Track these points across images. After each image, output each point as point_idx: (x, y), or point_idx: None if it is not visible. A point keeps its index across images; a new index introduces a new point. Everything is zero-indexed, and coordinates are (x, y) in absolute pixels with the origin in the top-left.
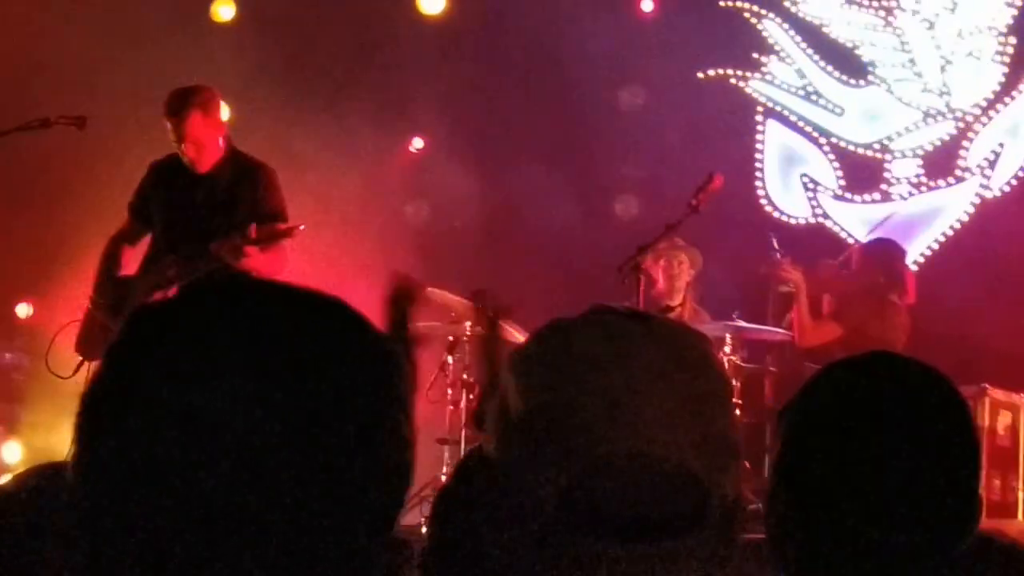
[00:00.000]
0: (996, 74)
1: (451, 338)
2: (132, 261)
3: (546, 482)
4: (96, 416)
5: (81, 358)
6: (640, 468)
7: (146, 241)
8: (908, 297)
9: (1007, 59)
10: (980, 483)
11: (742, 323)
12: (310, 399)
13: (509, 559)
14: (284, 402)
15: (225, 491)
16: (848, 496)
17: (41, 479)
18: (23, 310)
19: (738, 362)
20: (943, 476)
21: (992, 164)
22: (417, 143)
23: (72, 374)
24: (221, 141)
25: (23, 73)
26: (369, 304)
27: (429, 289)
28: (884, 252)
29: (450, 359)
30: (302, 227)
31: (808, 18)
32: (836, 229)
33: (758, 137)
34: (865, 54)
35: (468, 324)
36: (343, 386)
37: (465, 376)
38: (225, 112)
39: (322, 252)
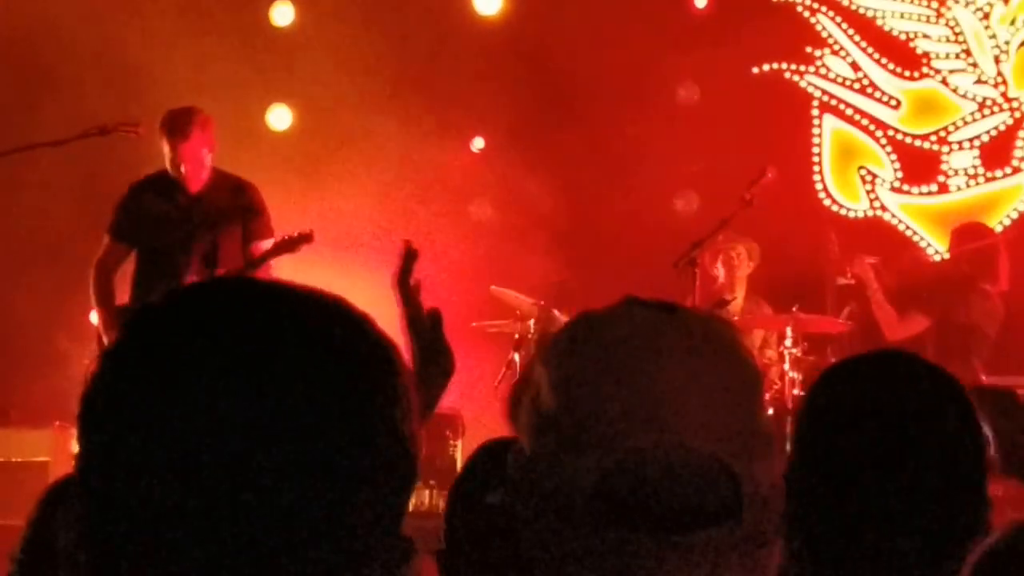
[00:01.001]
0: None
1: (517, 336)
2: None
3: (578, 475)
4: (91, 418)
5: None
6: (672, 459)
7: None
8: (1000, 284)
9: None
10: (987, 484)
11: (802, 315)
12: (305, 399)
13: (540, 553)
14: (279, 402)
15: (222, 493)
16: (853, 497)
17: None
18: (95, 317)
19: (798, 355)
20: (948, 477)
21: None
22: (478, 143)
23: None
24: (209, 161)
25: (83, 82)
26: (440, 303)
27: (494, 288)
28: (970, 238)
29: (516, 356)
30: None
31: (861, 11)
32: (894, 222)
33: (814, 131)
34: (919, 46)
35: (532, 322)
36: (339, 386)
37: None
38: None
39: (388, 251)
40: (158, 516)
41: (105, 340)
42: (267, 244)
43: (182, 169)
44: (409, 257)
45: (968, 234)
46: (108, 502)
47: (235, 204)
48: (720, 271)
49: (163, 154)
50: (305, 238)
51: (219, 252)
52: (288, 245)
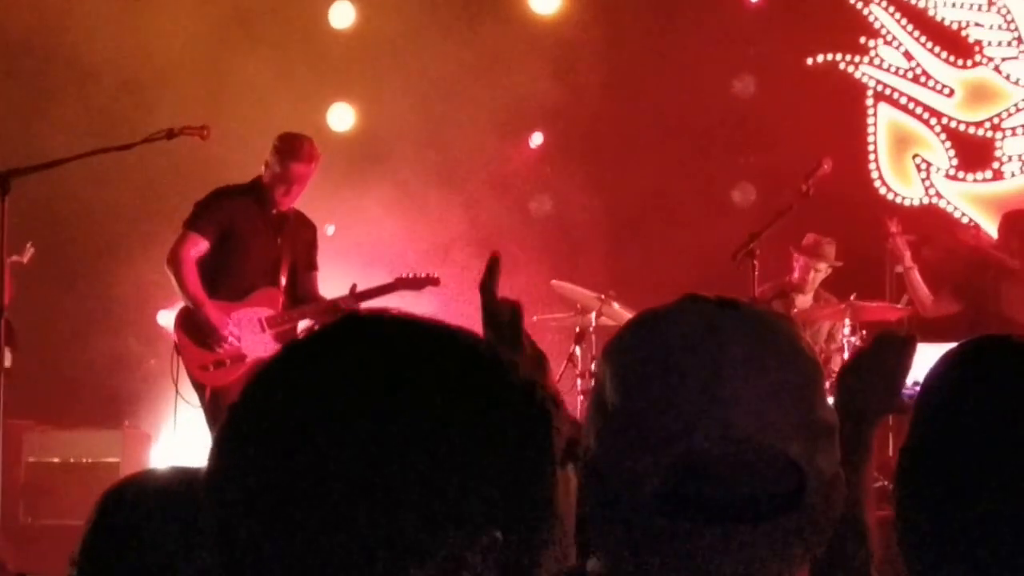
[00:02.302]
0: None
1: (578, 329)
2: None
3: (645, 471)
4: (232, 436)
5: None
6: (737, 453)
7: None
8: None
9: None
10: None
11: (862, 303)
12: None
13: (609, 547)
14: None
15: (338, 525)
16: (976, 489)
17: (183, 480)
18: (165, 318)
19: (856, 343)
20: None
21: None
22: (537, 138)
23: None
24: None
25: (147, 87)
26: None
27: (554, 282)
28: (1015, 226)
29: (578, 349)
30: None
31: (913, 1)
32: (949, 209)
33: (869, 121)
34: (971, 34)
35: (593, 315)
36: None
37: (593, 366)
38: None
39: (446, 247)
40: (275, 532)
41: (203, 322)
42: (314, 278)
43: (289, 188)
44: (494, 265)
45: (1019, 220)
46: (230, 515)
47: (305, 234)
48: (797, 271)
49: (267, 166)
50: (432, 281)
51: (297, 271)
52: (413, 283)
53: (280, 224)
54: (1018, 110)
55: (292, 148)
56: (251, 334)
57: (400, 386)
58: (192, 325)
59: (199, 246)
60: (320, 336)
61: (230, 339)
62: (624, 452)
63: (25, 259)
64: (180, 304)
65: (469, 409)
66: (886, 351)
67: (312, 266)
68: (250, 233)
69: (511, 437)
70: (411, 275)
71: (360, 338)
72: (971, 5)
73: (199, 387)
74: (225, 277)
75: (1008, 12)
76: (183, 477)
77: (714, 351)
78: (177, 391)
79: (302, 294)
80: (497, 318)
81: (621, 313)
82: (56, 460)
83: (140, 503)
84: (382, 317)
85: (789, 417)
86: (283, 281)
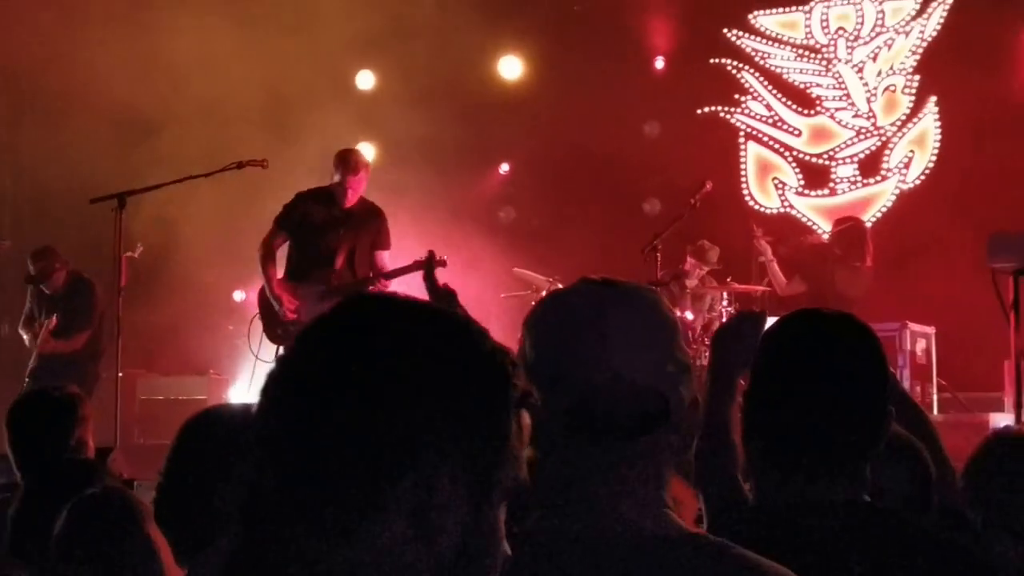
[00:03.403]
0: (906, 102)
1: (533, 303)
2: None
3: (555, 406)
4: (274, 386)
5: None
6: (619, 388)
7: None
8: (866, 260)
9: (913, 91)
10: (889, 399)
11: (736, 285)
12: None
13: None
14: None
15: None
16: (789, 408)
17: (244, 411)
18: (239, 295)
19: (731, 310)
20: (862, 394)
21: (907, 166)
22: (504, 167)
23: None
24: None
25: (220, 126)
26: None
27: (516, 269)
28: (843, 226)
29: None
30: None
31: (772, 68)
32: (798, 216)
33: (741, 153)
34: (813, 92)
35: (544, 293)
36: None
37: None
38: None
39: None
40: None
41: (271, 298)
42: (386, 253)
43: (347, 191)
44: (431, 261)
45: (841, 224)
46: (270, 447)
47: (370, 222)
48: (687, 263)
49: (332, 176)
50: (440, 263)
51: (356, 254)
52: (419, 266)
53: (346, 217)
54: (847, 146)
55: (345, 162)
56: (311, 305)
57: (389, 346)
58: (266, 300)
59: (280, 237)
60: (334, 309)
61: (292, 310)
62: (538, 389)
63: (136, 254)
64: (253, 284)
65: (446, 364)
66: (744, 323)
67: (377, 246)
68: (319, 226)
69: (478, 387)
70: (424, 259)
71: (361, 310)
72: (813, 71)
73: (275, 347)
74: (300, 260)
75: (840, 76)
76: (244, 409)
77: (600, 317)
78: (251, 348)
79: (368, 269)
80: (439, 297)
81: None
82: (160, 398)
83: (211, 427)
84: (380, 296)
85: (655, 361)
86: (340, 262)
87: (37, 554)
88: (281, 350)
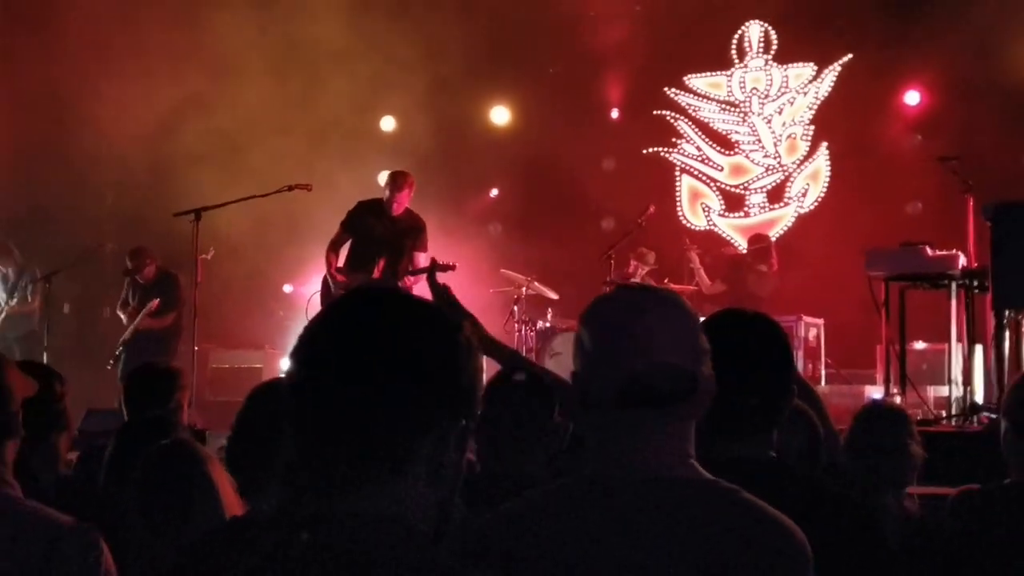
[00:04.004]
0: (804, 146)
1: (516, 296)
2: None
3: (608, 384)
4: (301, 346)
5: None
6: (657, 370)
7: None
8: (772, 265)
9: (809, 138)
10: (793, 378)
11: (672, 285)
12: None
13: (588, 430)
14: (397, 354)
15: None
16: (720, 385)
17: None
18: (287, 288)
19: None
20: (773, 375)
21: (804, 195)
22: (494, 192)
23: None
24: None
25: (275, 156)
26: (477, 280)
27: (503, 270)
28: (754, 239)
29: (515, 308)
30: (453, 264)
31: (702, 118)
32: (720, 232)
33: (676, 184)
34: (733, 137)
35: (524, 289)
36: (433, 352)
37: (525, 318)
38: None
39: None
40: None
41: (330, 282)
42: (423, 255)
43: (393, 204)
44: (434, 266)
45: (753, 239)
46: (299, 403)
47: (412, 229)
48: (632, 266)
49: (381, 191)
50: (449, 267)
51: (399, 253)
52: (438, 267)
53: (394, 224)
54: (758, 179)
55: (395, 181)
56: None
57: (399, 327)
58: (328, 290)
59: (341, 238)
60: (349, 294)
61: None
62: (596, 371)
63: (209, 256)
64: (299, 279)
65: (443, 344)
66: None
67: (416, 248)
68: (372, 230)
69: (466, 362)
70: (441, 262)
71: (371, 299)
72: (732, 121)
73: None
74: (356, 255)
75: (753, 125)
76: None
77: (643, 315)
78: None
79: (408, 265)
80: (437, 293)
81: (540, 288)
82: (226, 366)
83: (272, 394)
84: (387, 289)
85: (684, 348)
86: (385, 258)
87: (126, 488)
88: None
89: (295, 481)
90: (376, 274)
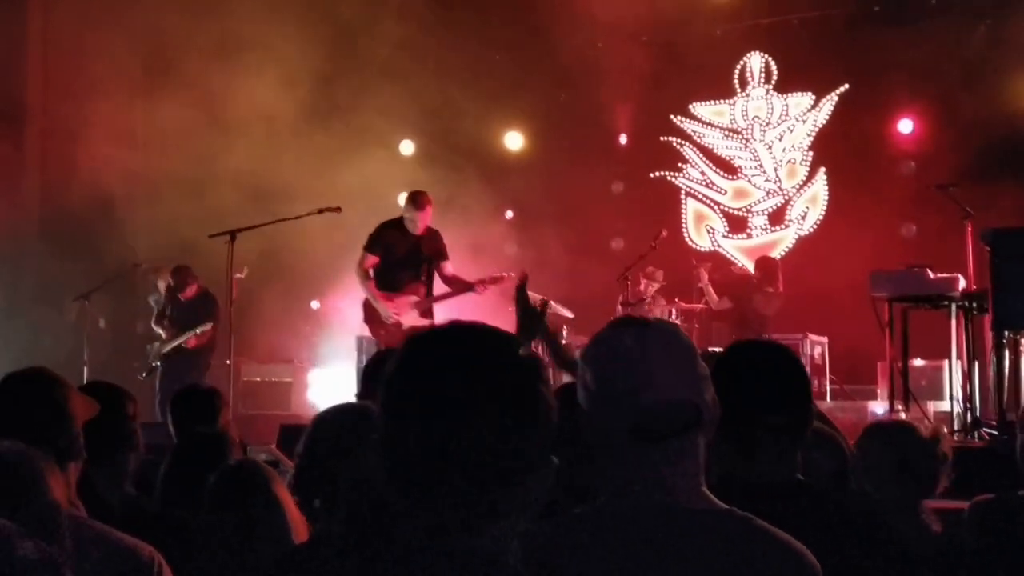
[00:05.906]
0: (803, 172)
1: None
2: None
3: (616, 419)
4: (373, 376)
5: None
6: (664, 404)
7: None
8: (778, 287)
9: (808, 164)
10: (811, 396)
11: (682, 304)
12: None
13: (600, 460)
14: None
15: (442, 438)
16: (743, 404)
17: (359, 409)
18: (315, 304)
19: (679, 322)
20: (794, 398)
21: (803, 218)
22: (509, 213)
23: None
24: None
25: (299, 181)
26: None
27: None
28: (761, 262)
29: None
30: (506, 275)
31: (706, 144)
32: (724, 253)
33: (682, 207)
34: (735, 162)
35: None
36: (508, 382)
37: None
38: None
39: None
40: (412, 444)
41: (376, 306)
42: (448, 263)
43: (416, 222)
44: (524, 279)
45: (760, 260)
46: (390, 432)
47: (434, 242)
48: (643, 285)
49: (405, 214)
50: (498, 280)
51: (429, 267)
52: (491, 281)
53: (418, 242)
54: (760, 202)
55: (416, 201)
56: (405, 311)
57: (510, 372)
58: (371, 309)
59: (371, 260)
60: (443, 330)
61: (393, 315)
62: (602, 410)
63: (243, 275)
64: (325, 296)
65: (530, 386)
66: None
67: (443, 257)
68: (399, 250)
69: (552, 409)
70: (480, 281)
71: (462, 336)
72: (735, 147)
73: (376, 343)
74: (388, 275)
75: (755, 151)
76: (360, 407)
77: (644, 352)
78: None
79: (441, 277)
80: (527, 308)
81: (556, 307)
82: (258, 379)
83: (337, 419)
84: (476, 326)
85: (686, 379)
86: (420, 276)
87: (184, 504)
88: (387, 348)
89: (384, 509)
90: (417, 297)
